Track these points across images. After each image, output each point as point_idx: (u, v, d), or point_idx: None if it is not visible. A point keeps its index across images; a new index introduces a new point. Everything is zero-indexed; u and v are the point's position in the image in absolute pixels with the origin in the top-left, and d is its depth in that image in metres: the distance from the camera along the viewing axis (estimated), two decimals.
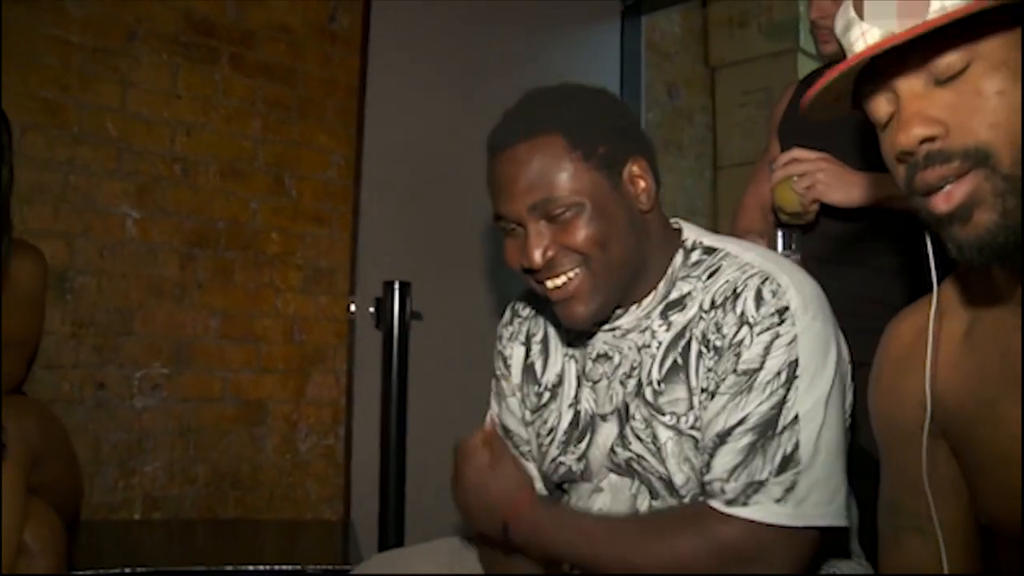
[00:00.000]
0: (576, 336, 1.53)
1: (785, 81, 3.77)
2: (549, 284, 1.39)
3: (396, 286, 2.95)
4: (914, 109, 0.90)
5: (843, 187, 1.84)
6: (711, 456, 1.31)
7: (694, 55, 4.43)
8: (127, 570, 2.29)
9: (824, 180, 1.84)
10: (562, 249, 1.35)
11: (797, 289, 1.32)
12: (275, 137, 3.20)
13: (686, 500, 1.37)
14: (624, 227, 1.36)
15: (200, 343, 3.03)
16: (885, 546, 1.17)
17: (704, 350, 1.35)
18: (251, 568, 2.37)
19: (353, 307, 3.29)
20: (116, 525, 2.85)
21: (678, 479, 1.37)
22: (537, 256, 1.35)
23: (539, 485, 1.57)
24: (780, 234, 1.91)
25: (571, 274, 1.36)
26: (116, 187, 2.88)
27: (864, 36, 0.93)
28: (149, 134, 2.95)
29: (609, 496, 1.45)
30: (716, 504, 1.29)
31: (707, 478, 1.31)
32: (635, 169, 1.39)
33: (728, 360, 1.32)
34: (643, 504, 1.41)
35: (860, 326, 1.60)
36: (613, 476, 1.44)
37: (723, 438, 1.30)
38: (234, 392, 3.10)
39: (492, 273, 3.55)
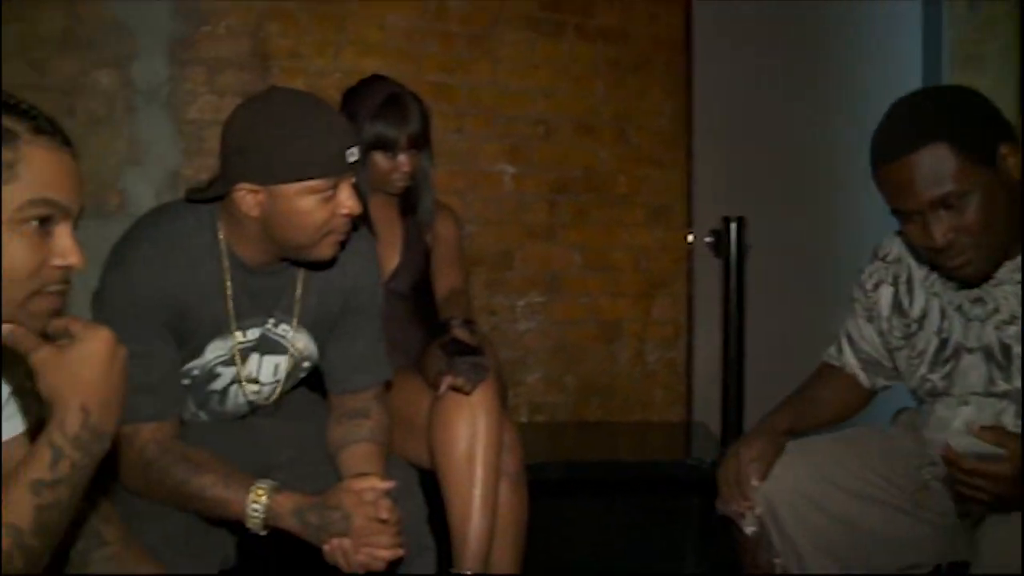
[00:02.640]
0: (939, 278, 1.87)
1: None
2: (949, 263, 1.71)
3: (733, 221, 3.35)
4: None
5: None
6: None
7: None
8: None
9: None
10: (959, 232, 1.64)
11: None
12: (615, 94, 3.69)
13: None
14: (1004, 203, 1.66)
15: (566, 274, 3.62)
16: None
17: None
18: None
19: (691, 238, 3.77)
20: None
21: None
22: (939, 239, 1.65)
23: None
24: None
25: (966, 252, 1.68)
26: (494, 148, 3.49)
27: None
28: (516, 102, 3.53)
29: (975, 409, 1.80)
30: None
31: None
32: (1003, 150, 1.66)
33: None
34: (1008, 417, 1.75)
35: None
36: (978, 397, 1.80)
37: None
38: (594, 314, 3.68)
39: (819, 207, 3.91)
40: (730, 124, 3.82)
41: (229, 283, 1.79)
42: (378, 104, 2.35)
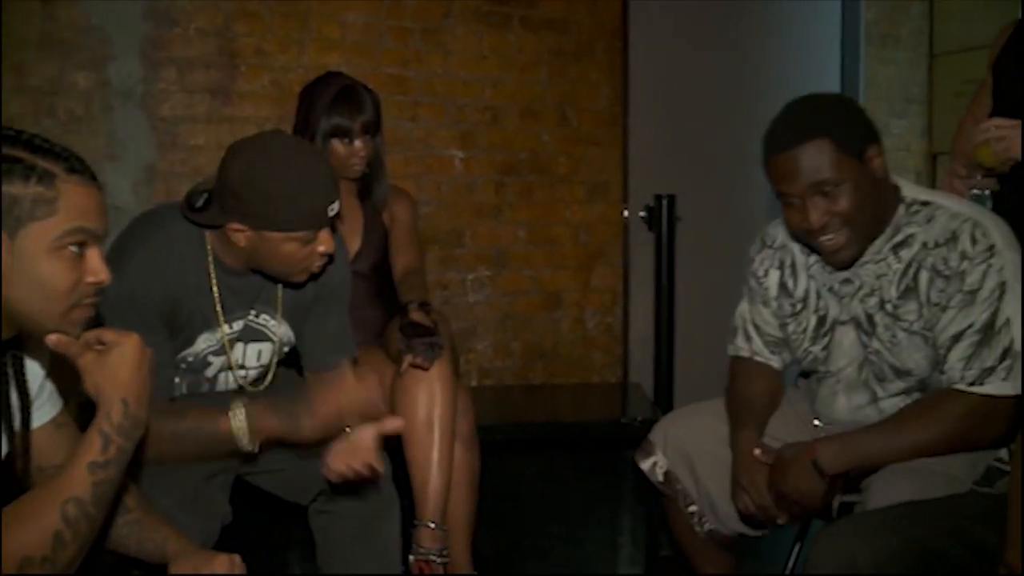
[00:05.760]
0: (816, 261, 2.16)
1: None
2: (823, 240, 1.97)
3: (664, 197, 3.65)
4: None
5: None
6: (947, 351, 1.89)
7: None
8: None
9: (1018, 143, 2.34)
10: (832, 216, 1.91)
11: (997, 231, 1.92)
12: (558, 80, 3.97)
13: (912, 380, 2.02)
14: (869, 194, 1.95)
15: (512, 249, 3.94)
16: None
17: (935, 276, 1.95)
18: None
19: (626, 213, 4.09)
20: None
21: (909, 364, 2.01)
22: (815, 221, 1.92)
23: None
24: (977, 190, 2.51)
25: (839, 233, 1.94)
26: (446, 135, 3.76)
27: None
28: (466, 90, 3.79)
29: (845, 398, 2.15)
30: (960, 386, 1.88)
31: (946, 367, 1.90)
32: (871, 151, 1.95)
33: (955, 283, 1.89)
34: (874, 384, 2.09)
35: None
36: (849, 370, 2.13)
37: (956, 338, 1.89)
38: (538, 285, 4.00)
39: (743, 184, 4.24)
40: (662, 107, 4.13)
41: (215, 283, 2.04)
42: (333, 96, 2.58)
